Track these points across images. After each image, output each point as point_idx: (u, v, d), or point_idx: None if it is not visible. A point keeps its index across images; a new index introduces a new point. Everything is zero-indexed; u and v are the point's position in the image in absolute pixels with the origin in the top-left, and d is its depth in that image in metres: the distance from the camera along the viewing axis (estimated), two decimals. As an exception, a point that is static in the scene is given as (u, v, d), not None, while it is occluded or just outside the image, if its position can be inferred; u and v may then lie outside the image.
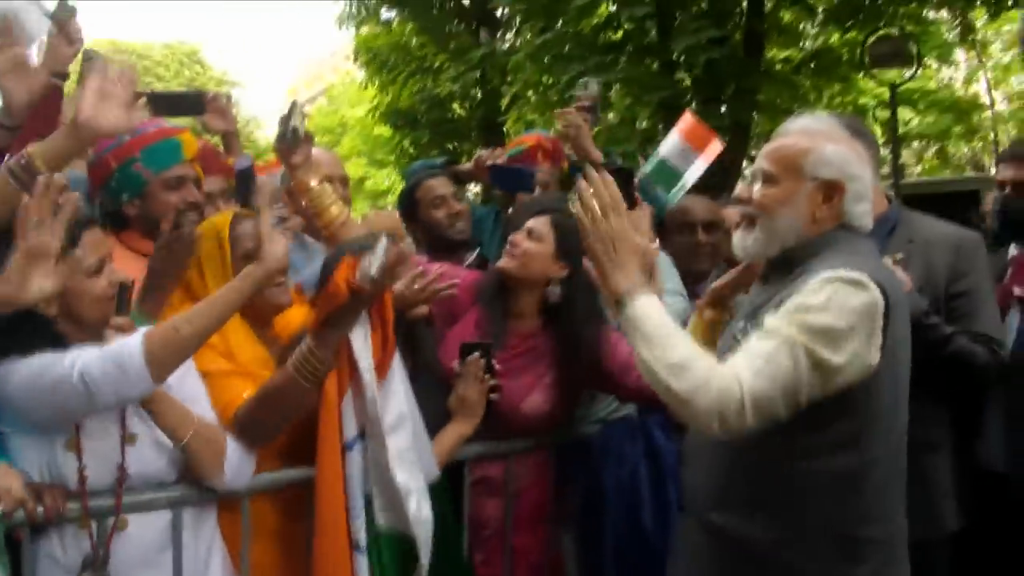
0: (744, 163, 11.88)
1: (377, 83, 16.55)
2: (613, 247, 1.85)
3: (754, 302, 2.05)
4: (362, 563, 2.05)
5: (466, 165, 3.61)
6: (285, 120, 2.44)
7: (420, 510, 2.10)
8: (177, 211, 2.50)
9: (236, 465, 2.04)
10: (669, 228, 3.23)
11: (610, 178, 1.91)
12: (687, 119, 3.50)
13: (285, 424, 2.12)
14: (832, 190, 1.93)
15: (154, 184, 2.54)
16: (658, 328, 1.80)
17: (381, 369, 2.08)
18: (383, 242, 1.93)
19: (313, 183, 2.49)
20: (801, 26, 12.31)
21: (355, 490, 2.07)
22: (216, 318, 1.93)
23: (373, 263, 1.91)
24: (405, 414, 2.13)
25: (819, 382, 1.77)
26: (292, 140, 2.44)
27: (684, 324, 3.02)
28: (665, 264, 3.08)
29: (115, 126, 2.04)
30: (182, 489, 2.03)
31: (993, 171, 8.36)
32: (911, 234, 2.65)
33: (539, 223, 2.59)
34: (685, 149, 3.29)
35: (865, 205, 1.97)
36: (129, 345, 1.78)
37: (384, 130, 18.40)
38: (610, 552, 2.53)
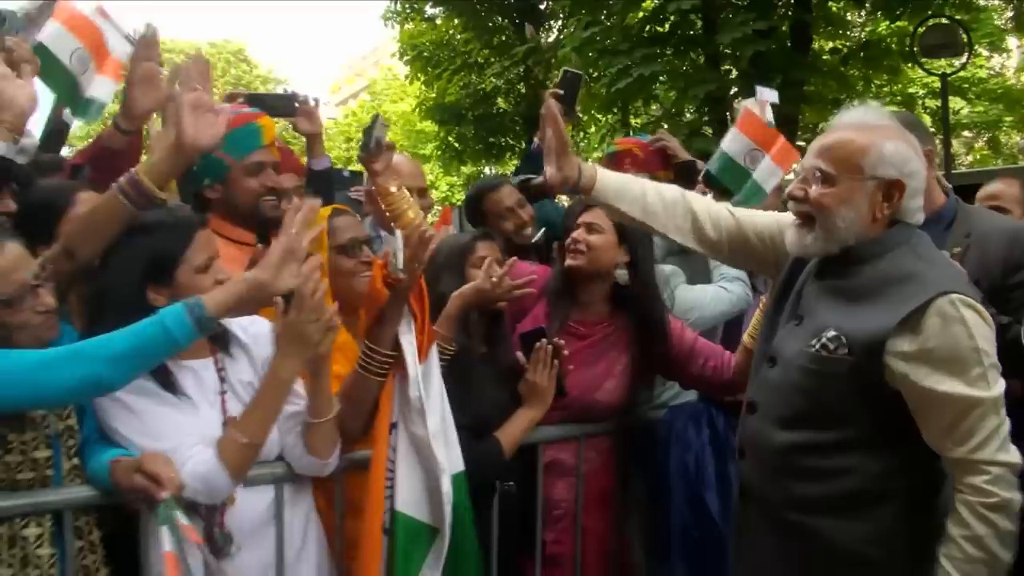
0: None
1: (422, 79, 16.72)
2: None
3: (807, 297, 2.07)
4: (385, 544, 2.14)
5: (538, 179, 3.46)
6: (368, 131, 2.61)
7: (448, 493, 2.15)
8: (257, 196, 2.60)
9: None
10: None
11: None
12: (742, 111, 3.51)
13: (367, 417, 2.23)
14: (893, 188, 1.93)
15: (236, 170, 2.58)
16: None
17: (420, 352, 2.19)
18: (399, 235, 2.13)
19: (392, 188, 2.63)
20: (848, 16, 12.23)
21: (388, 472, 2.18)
22: (268, 420, 2.01)
23: (397, 256, 2.09)
24: (440, 400, 2.23)
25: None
26: (375, 149, 2.61)
27: (742, 310, 3.13)
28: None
29: (214, 139, 2.14)
30: (284, 466, 2.13)
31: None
32: (968, 228, 2.67)
33: (595, 216, 2.70)
34: (747, 144, 3.32)
35: (920, 200, 1.99)
36: (209, 466, 1.90)
37: (428, 125, 18.59)
38: (676, 535, 2.60)
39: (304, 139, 3.40)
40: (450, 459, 2.19)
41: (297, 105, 3.27)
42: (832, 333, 1.93)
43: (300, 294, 1.93)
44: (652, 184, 2.25)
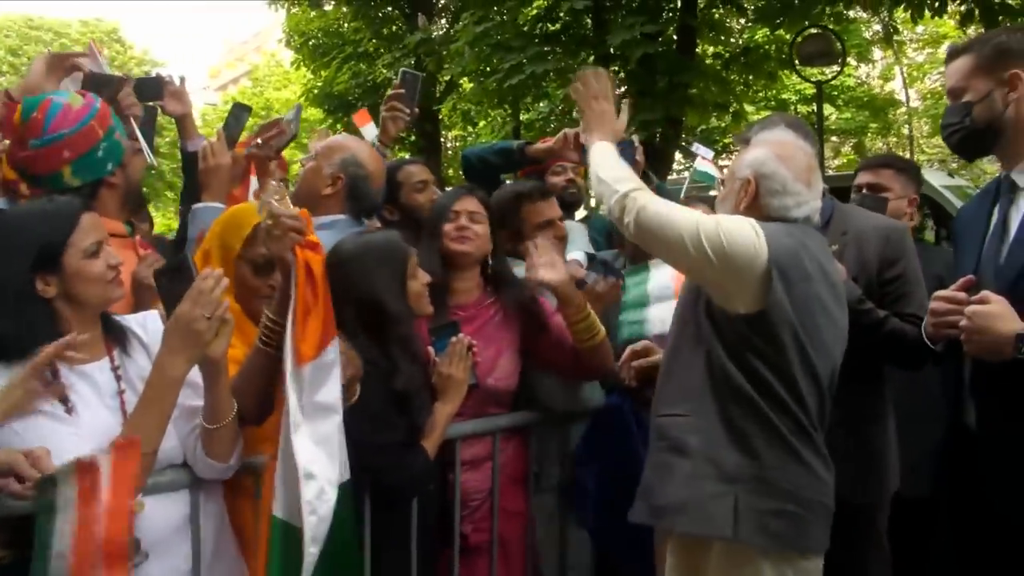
0: (676, 154, 12.23)
1: (310, 66, 16.41)
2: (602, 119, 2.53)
3: None
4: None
5: (540, 145, 3.51)
6: (292, 121, 2.61)
7: (319, 501, 1.97)
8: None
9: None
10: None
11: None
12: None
13: (261, 398, 2.12)
14: (747, 185, 2.30)
15: (128, 151, 2.59)
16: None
17: (308, 348, 2.00)
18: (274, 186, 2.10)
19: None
20: (729, 22, 12.68)
21: None
22: (160, 423, 1.91)
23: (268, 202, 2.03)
24: (334, 406, 2.06)
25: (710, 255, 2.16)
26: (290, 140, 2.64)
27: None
28: (578, 232, 3.50)
29: None
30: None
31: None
32: (844, 226, 2.87)
33: (473, 204, 2.79)
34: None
35: (784, 199, 2.27)
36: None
37: (315, 113, 18.24)
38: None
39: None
40: (333, 468, 2.03)
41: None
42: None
43: (197, 287, 1.86)
44: None
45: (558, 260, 2.61)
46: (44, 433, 1.85)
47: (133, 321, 2.13)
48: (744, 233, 2.16)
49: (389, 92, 3.52)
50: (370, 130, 3.60)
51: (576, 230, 3.50)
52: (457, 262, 2.75)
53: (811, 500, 2.17)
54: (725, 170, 3.80)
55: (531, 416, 2.77)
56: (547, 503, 2.82)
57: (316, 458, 1.99)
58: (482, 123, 16.78)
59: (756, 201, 2.29)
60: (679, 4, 10.73)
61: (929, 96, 20.91)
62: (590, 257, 3.22)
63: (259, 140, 2.63)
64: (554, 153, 3.47)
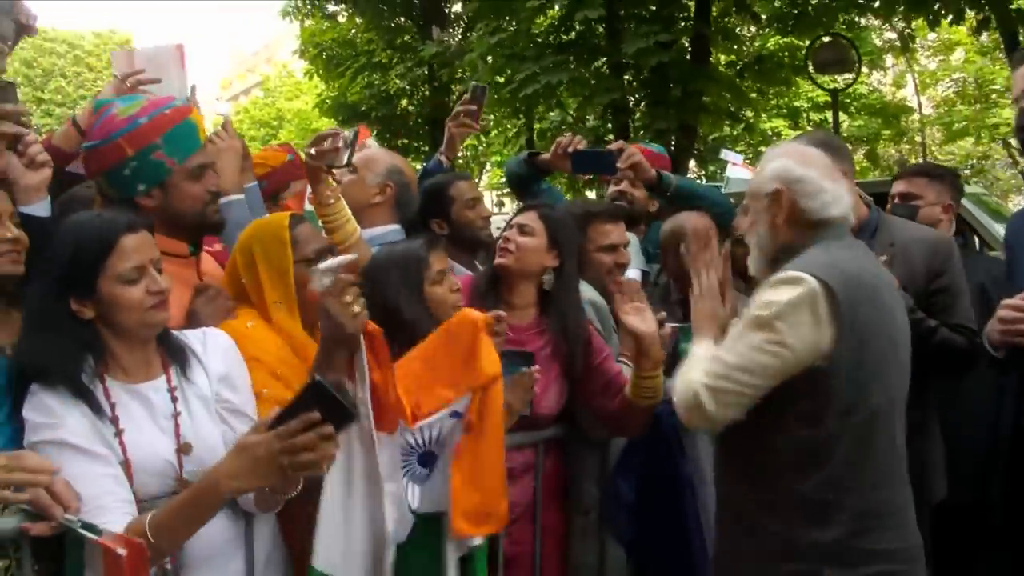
0: (691, 162, 12.23)
1: (323, 76, 16.49)
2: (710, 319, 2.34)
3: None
4: None
5: (545, 155, 3.51)
6: (350, 144, 2.59)
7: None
8: (203, 203, 2.35)
9: None
10: (670, 247, 3.28)
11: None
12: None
13: None
14: (778, 196, 2.17)
15: (177, 174, 2.30)
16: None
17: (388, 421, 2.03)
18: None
19: (331, 200, 2.59)
20: (743, 30, 12.71)
21: None
22: (185, 533, 1.75)
23: (321, 277, 1.89)
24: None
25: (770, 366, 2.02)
26: (348, 163, 2.65)
27: None
28: (634, 246, 3.38)
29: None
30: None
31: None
32: (891, 237, 2.88)
33: (528, 218, 2.72)
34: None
35: (822, 197, 2.16)
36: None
37: (326, 123, 18.32)
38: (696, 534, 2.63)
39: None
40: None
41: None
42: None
43: (291, 429, 1.62)
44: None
45: (646, 308, 2.54)
46: (75, 472, 1.75)
47: (193, 337, 2.03)
48: (802, 333, 2.02)
49: (457, 107, 3.44)
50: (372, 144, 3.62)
51: (632, 241, 3.46)
52: (504, 276, 2.73)
53: (904, 550, 2.09)
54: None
55: (568, 429, 2.75)
56: (583, 519, 2.80)
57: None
58: (494, 132, 16.81)
59: (794, 209, 2.17)
60: (693, 12, 10.75)
61: (942, 103, 20.90)
62: (644, 275, 3.21)
63: (313, 151, 2.55)
64: (554, 164, 3.48)
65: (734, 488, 2.20)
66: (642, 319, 2.49)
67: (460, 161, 20.00)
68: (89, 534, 1.63)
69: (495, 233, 3.08)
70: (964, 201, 7.58)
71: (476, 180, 14.74)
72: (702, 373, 2.09)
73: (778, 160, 2.22)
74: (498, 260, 2.70)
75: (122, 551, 1.58)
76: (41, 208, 2.26)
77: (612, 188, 3.83)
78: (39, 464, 1.71)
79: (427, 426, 2.15)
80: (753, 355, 2.03)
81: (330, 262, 1.90)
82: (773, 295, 2.04)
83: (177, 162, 2.30)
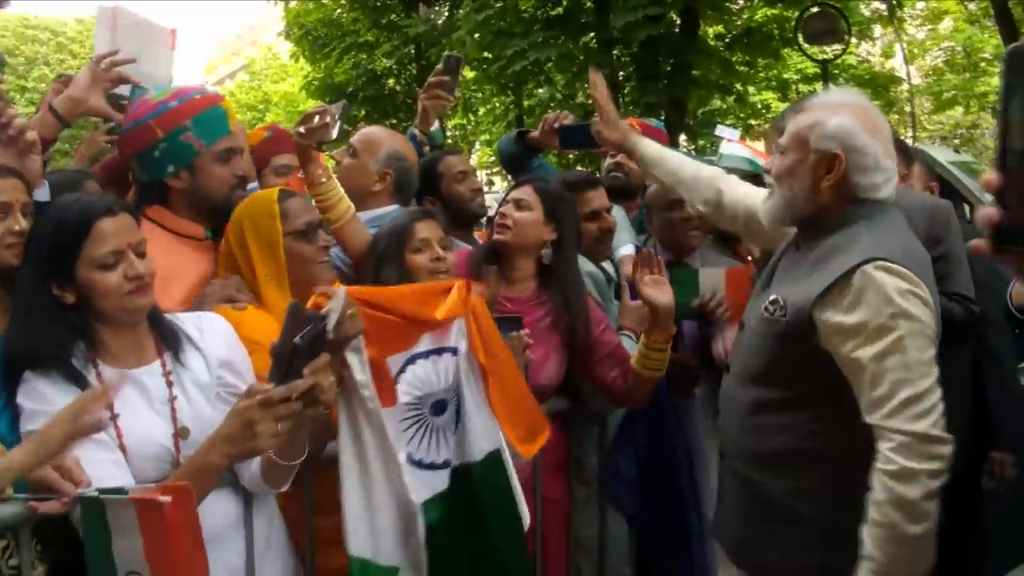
0: (682, 136, 12.20)
1: (309, 58, 16.38)
2: None
3: (779, 268, 2.16)
4: None
5: (534, 133, 3.51)
6: (340, 116, 2.54)
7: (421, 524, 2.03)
8: (229, 186, 2.40)
9: None
10: (655, 205, 3.35)
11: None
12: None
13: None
14: (833, 162, 1.96)
15: (205, 156, 2.36)
16: None
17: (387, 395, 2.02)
18: (341, 293, 1.86)
19: (323, 179, 2.55)
20: (732, 2, 12.63)
21: None
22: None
23: (330, 317, 1.81)
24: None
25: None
26: (340, 135, 2.59)
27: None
28: (621, 219, 3.39)
29: None
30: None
31: (909, 142, 8.81)
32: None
33: (524, 192, 2.72)
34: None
35: (876, 177, 1.98)
36: None
37: (313, 104, 18.21)
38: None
39: None
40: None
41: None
42: (773, 296, 2.03)
43: (276, 395, 1.63)
44: (691, 161, 2.62)
45: (664, 279, 2.55)
46: (75, 458, 1.70)
47: (188, 322, 1.99)
48: (925, 346, 1.90)
49: (431, 78, 3.38)
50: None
51: (619, 217, 3.44)
52: (503, 252, 2.73)
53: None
54: (764, 148, 3.71)
55: (571, 403, 2.74)
56: (585, 491, 2.80)
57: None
58: (482, 110, 16.73)
59: (844, 180, 1.97)
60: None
61: (930, 73, 20.87)
62: (637, 249, 3.19)
63: (302, 129, 2.51)
64: (543, 141, 3.47)
65: (767, 474, 2.06)
66: (660, 291, 2.51)
67: (449, 140, 19.94)
68: (114, 496, 1.59)
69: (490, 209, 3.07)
70: (954, 170, 7.60)
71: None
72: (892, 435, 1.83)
73: (844, 116, 1.97)
74: (496, 236, 2.70)
75: (164, 498, 1.53)
76: (41, 194, 2.25)
77: (608, 161, 3.81)
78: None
79: (408, 380, 2.10)
80: (903, 358, 1.85)
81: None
82: (871, 297, 1.87)
83: (205, 144, 2.37)
